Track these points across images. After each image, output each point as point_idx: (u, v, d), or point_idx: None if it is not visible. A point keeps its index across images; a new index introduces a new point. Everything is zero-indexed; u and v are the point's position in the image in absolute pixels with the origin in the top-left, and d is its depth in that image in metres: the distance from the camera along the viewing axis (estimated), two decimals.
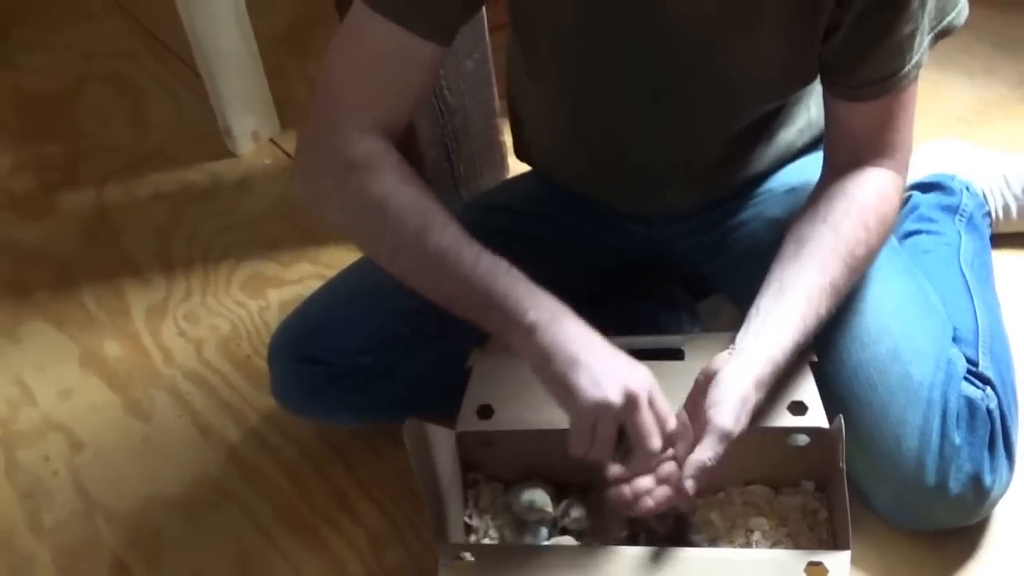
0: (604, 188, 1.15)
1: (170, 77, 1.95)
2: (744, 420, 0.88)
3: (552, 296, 0.90)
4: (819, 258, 0.92)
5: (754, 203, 1.15)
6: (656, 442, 0.86)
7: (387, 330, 1.13)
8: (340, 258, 1.49)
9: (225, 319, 1.45)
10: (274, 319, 1.43)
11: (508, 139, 1.48)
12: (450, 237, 0.91)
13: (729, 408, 0.86)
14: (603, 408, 0.84)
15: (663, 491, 0.90)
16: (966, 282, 1.14)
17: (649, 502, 0.89)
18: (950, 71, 1.63)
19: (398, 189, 0.93)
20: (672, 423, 0.88)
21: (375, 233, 0.94)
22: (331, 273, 1.45)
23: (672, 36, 0.95)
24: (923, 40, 0.93)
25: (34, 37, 2.11)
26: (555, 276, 0.99)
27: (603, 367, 0.86)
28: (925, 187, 1.29)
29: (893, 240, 1.14)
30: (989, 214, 1.30)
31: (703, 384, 0.90)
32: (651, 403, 0.86)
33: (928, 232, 1.22)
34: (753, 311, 0.93)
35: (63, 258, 1.60)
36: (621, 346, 0.90)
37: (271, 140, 1.76)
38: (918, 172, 1.34)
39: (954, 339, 1.04)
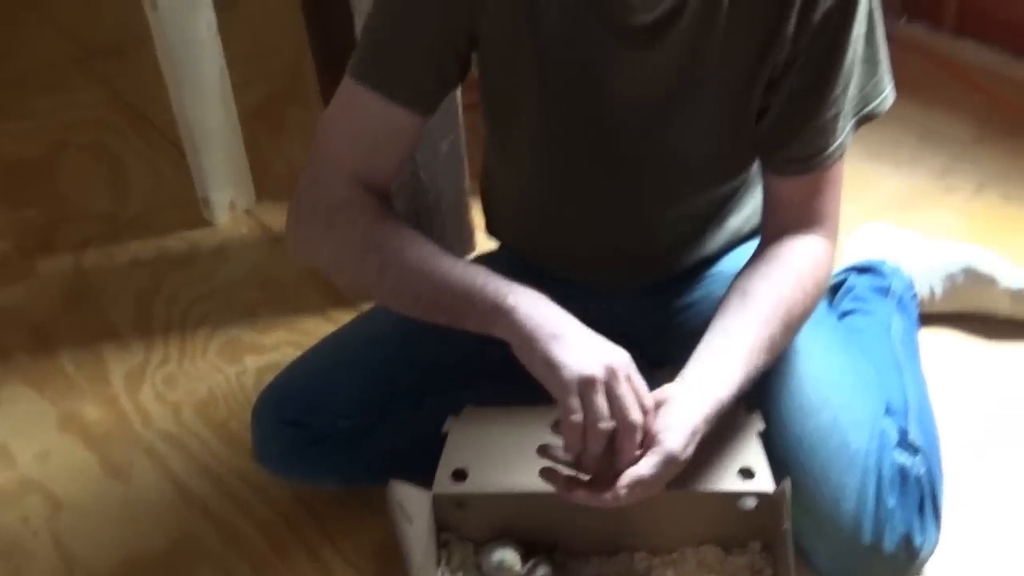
0: (566, 263, 1.24)
1: (148, 147, 2.01)
2: (691, 450, 0.94)
3: (529, 286, 0.98)
4: (762, 314, 1.01)
5: (705, 284, 1.25)
6: (637, 414, 0.91)
7: (363, 397, 1.20)
8: (316, 327, 1.55)
9: (203, 383, 1.51)
10: (251, 384, 1.49)
11: (476, 216, 1.58)
12: (428, 249, 1.01)
13: (680, 434, 0.92)
14: (587, 381, 0.90)
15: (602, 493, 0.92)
16: (897, 359, 1.25)
17: (581, 494, 0.93)
18: (880, 161, 1.76)
19: (379, 219, 1.03)
20: (649, 400, 0.94)
21: (362, 259, 1.03)
22: (307, 341, 1.52)
23: (621, 118, 1.05)
24: (846, 123, 1.03)
25: (11, 105, 2.15)
26: None
27: (584, 343, 0.93)
28: (860, 270, 1.41)
29: (833, 318, 1.25)
30: (917, 296, 1.42)
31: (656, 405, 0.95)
32: (629, 379, 0.93)
33: (863, 312, 1.34)
34: (701, 350, 1.00)
35: (42, 321, 1.64)
36: None
37: (247, 211, 1.83)
38: (854, 255, 1.46)
39: (887, 411, 1.14)
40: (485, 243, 1.49)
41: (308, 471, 1.23)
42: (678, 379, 0.99)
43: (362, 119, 1.05)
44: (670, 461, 0.92)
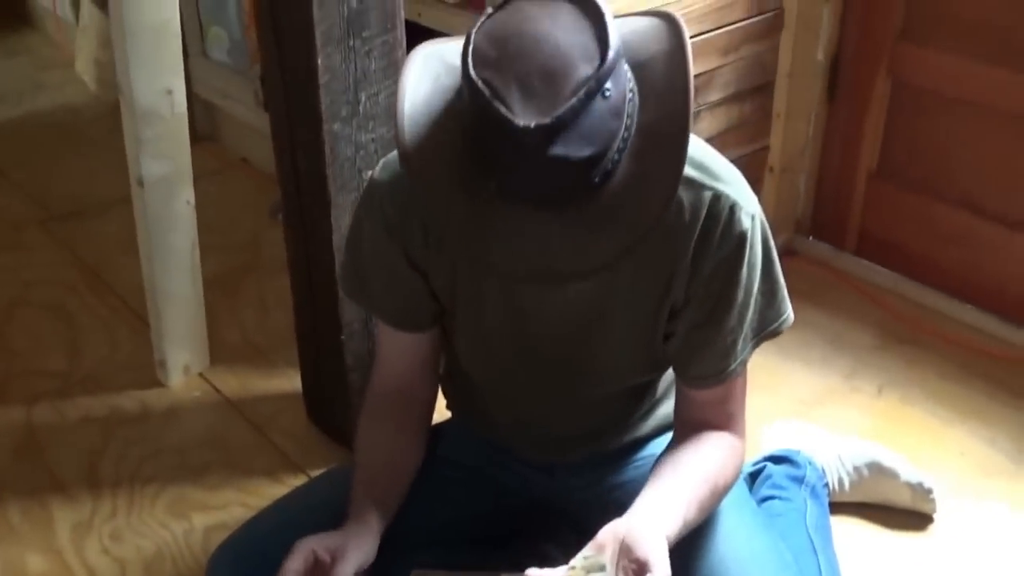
0: (507, 443, 1.36)
1: (103, 308, 2.08)
2: None
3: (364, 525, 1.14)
4: (693, 476, 1.11)
5: (636, 466, 1.36)
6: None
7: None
8: (266, 488, 1.61)
9: (150, 540, 1.54)
10: (198, 543, 1.53)
11: None
12: (360, 473, 1.20)
13: (666, 557, 1.00)
14: None
15: None
16: (812, 543, 1.36)
17: None
18: (793, 361, 1.93)
19: (362, 431, 1.22)
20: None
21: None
22: (256, 501, 1.58)
23: (543, 339, 1.18)
24: (746, 346, 1.16)
25: None
26: (466, 513, 1.20)
27: None
28: (777, 459, 1.54)
29: (754, 503, 1.36)
30: (828, 485, 1.56)
31: (614, 540, 1.02)
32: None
33: (780, 498, 1.46)
34: (644, 496, 1.08)
35: None
36: None
37: (200, 374, 1.90)
38: (771, 446, 1.60)
39: None
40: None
41: None
42: (626, 515, 1.06)
43: (387, 343, 1.25)
44: None
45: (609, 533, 1.04)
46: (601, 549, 1.03)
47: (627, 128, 0.96)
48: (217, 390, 1.86)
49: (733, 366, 1.15)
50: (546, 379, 1.23)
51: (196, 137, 2.64)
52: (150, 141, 1.64)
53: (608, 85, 0.93)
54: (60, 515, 1.58)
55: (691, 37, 1.98)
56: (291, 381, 1.84)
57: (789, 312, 1.19)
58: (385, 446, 1.22)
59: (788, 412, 1.77)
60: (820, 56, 2.08)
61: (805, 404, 1.82)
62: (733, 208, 1.07)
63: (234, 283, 2.16)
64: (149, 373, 1.88)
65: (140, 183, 1.67)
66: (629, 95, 0.97)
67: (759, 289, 1.14)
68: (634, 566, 1.00)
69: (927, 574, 1.50)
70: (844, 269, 2.17)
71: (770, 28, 2.00)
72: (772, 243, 1.15)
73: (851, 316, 2.04)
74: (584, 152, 0.92)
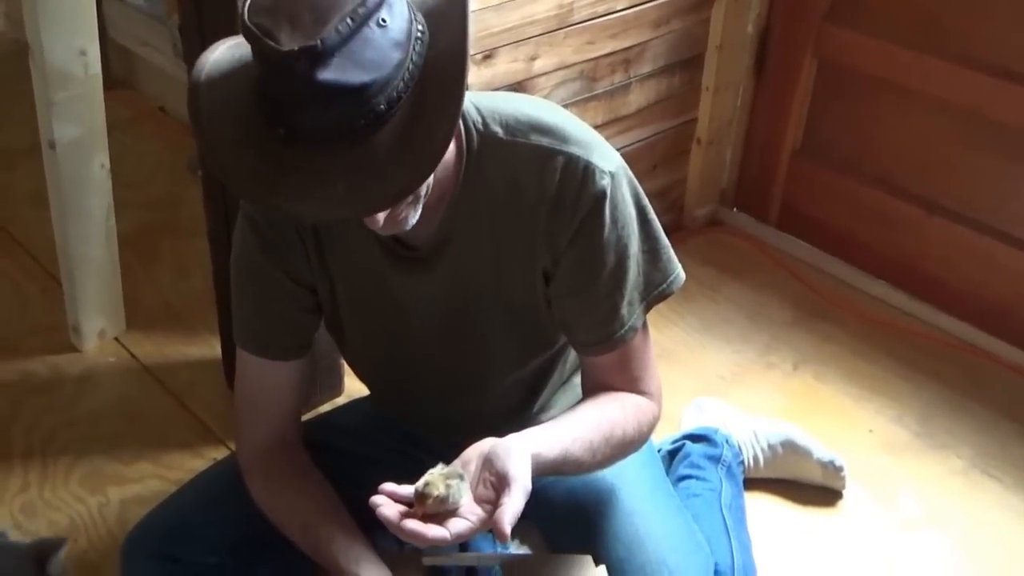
0: (421, 425, 1.36)
1: (13, 266, 2.01)
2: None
3: (376, 562, 1.12)
4: (587, 419, 1.12)
5: None
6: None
7: (233, 534, 1.25)
8: (183, 460, 1.59)
9: (63, 513, 1.51)
10: (113, 516, 1.50)
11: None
12: (312, 533, 1.16)
13: (527, 472, 1.00)
14: None
15: (465, 524, 0.99)
16: (725, 524, 1.41)
17: (446, 534, 0.98)
18: (714, 336, 1.97)
19: (272, 497, 1.19)
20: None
21: (280, 526, 1.19)
22: (172, 474, 1.56)
23: (421, 327, 1.19)
24: (633, 310, 1.14)
25: None
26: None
27: None
28: (695, 438, 1.58)
29: (670, 484, 1.39)
30: (743, 462, 1.60)
31: (479, 456, 1.03)
32: None
33: (697, 478, 1.50)
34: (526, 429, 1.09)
35: None
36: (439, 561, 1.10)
37: (116, 339, 1.85)
38: (690, 423, 1.64)
39: (716, 572, 1.29)
40: (352, 388, 1.58)
41: None
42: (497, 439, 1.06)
43: (251, 380, 1.21)
44: (528, 493, 1.00)
45: (475, 449, 1.05)
46: (467, 464, 1.03)
47: (414, 63, 0.95)
48: (133, 356, 1.82)
49: (621, 331, 1.14)
50: (435, 369, 1.22)
51: (111, 83, 2.55)
52: (62, 103, 1.57)
53: (384, 15, 0.93)
54: None
55: (623, 10, 1.98)
56: (211, 347, 1.81)
57: (678, 272, 1.17)
58: (303, 507, 1.18)
59: (708, 388, 1.80)
60: (750, 29, 2.09)
61: (724, 380, 1.86)
62: (587, 168, 1.08)
63: (151, 243, 2.10)
64: (62, 337, 1.83)
65: (52, 146, 1.60)
66: (417, 33, 0.96)
67: (639, 249, 1.13)
68: (493, 479, 1.01)
69: (835, 548, 1.56)
70: (766, 241, 2.21)
71: (701, 1, 2.00)
72: (645, 201, 1.14)
73: (770, 290, 2.08)
74: (359, 78, 0.92)
